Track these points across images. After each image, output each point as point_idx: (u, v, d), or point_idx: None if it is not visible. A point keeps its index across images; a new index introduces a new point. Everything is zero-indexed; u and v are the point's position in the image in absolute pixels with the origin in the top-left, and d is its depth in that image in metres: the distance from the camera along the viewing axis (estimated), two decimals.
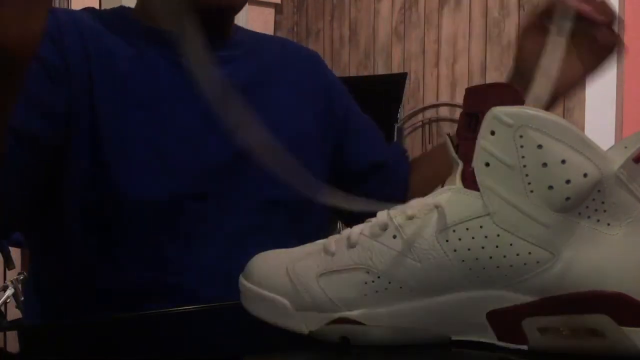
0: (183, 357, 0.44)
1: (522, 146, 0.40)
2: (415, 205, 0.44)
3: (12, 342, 0.49)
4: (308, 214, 0.75)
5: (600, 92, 2.06)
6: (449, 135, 0.47)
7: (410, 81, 2.55)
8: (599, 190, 0.41)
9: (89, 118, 0.66)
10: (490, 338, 0.44)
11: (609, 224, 0.42)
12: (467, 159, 0.43)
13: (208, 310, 0.55)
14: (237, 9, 0.74)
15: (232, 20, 0.78)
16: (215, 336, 0.50)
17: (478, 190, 0.42)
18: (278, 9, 3.09)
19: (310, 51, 0.91)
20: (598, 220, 0.42)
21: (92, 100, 0.66)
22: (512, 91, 0.43)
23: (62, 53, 0.65)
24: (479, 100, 0.43)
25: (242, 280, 0.47)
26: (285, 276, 0.45)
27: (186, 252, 0.67)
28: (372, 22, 2.68)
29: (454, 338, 0.44)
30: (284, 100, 0.79)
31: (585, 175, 0.40)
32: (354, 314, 0.44)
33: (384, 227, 0.44)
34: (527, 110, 0.40)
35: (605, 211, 0.42)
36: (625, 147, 0.44)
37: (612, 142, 2.05)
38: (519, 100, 0.42)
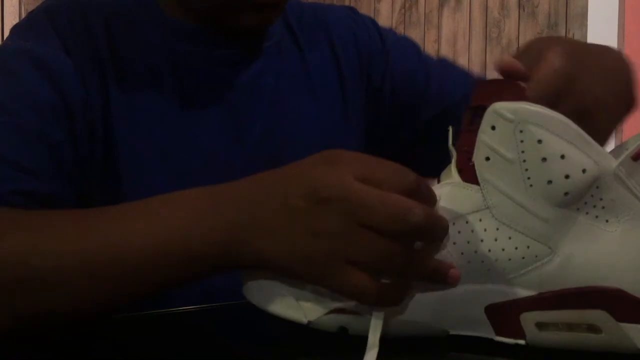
0: (183, 357, 0.44)
1: (522, 141, 0.41)
2: None
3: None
4: None
5: None
6: (451, 127, 0.48)
7: None
8: (597, 187, 0.41)
9: (103, 139, 0.62)
10: (488, 332, 0.44)
11: (607, 221, 0.42)
12: (464, 150, 0.44)
13: (208, 310, 0.55)
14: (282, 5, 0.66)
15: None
16: (216, 336, 0.50)
17: (477, 184, 0.42)
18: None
19: (343, 12, 0.80)
20: (596, 217, 0.42)
21: (106, 121, 0.62)
22: (515, 87, 0.43)
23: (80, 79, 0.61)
24: (483, 95, 0.43)
25: (245, 271, 0.47)
26: None
27: None
28: None
29: (452, 332, 0.45)
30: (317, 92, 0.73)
31: (584, 170, 0.41)
32: (352, 304, 0.44)
33: None
34: (527, 106, 0.41)
35: (603, 208, 0.42)
36: (627, 150, 0.44)
37: (612, 143, 2.05)
38: (521, 96, 0.43)
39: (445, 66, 0.80)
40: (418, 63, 0.78)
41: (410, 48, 0.79)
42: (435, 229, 0.40)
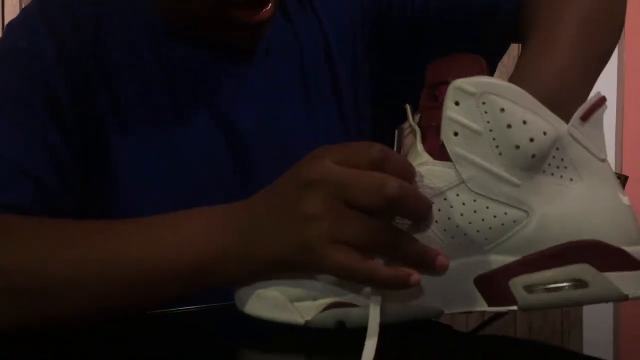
0: (183, 357, 0.43)
1: (486, 112, 0.43)
2: None
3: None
4: None
5: (600, 92, 2.09)
6: (407, 105, 0.49)
7: None
8: (557, 148, 0.44)
9: (95, 142, 0.62)
10: (480, 305, 0.45)
11: (571, 179, 0.45)
12: (430, 125, 0.45)
13: (208, 310, 0.54)
14: (270, 21, 0.65)
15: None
16: (216, 336, 0.49)
17: (449, 160, 0.44)
18: None
19: None
20: (561, 177, 0.44)
21: (97, 122, 0.62)
22: (475, 60, 0.46)
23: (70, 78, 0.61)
24: (442, 71, 0.46)
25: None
26: None
27: None
28: None
29: (447, 311, 0.45)
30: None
31: (544, 133, 0.43)
32: (346, 297, 0.44)
33: None
34: (486, 79, 0.43)
35: (566, 167, 0.44)
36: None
37: (612, 142, 2.07)
38: (481, 69, 0.45)
39: None
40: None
41: None
42: (412, 202, 0.42)
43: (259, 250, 0.44)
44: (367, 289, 0.44)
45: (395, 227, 0.43)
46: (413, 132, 0.46)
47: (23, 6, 0.70)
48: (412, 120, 0.47)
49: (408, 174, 0.43)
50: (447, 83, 0.44)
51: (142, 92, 0.64)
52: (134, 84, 0.64)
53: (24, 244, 0.47)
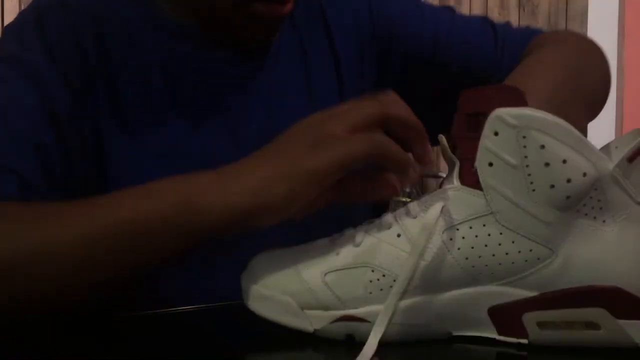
0: (183, 357, 0.44)
1: (525, 146, 0.41)
2: (418, 204, 0.45)
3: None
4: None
5: None
6: (441, 135, 0.48)
7: None
8: (595, 189, 0.42)
9: (94, 148, 0.61)
10: (490, 333, 0.45)
11: (604, 221, 0.43)
12: (467, 158, 0.44)
13: (208, 310, 0.55)
14: (285, 19, 0.66)
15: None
16: (216, 336, 0.49)
17: (480, 189, 0.43)
18: None
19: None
20: (595, 218, 0.43)
21: (97, 128, 0.61)
22: (515, 92, 0.44)
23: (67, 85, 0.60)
24: (481, 101, 0.44)
25: (245, 279, 0.47)
26: (290, 275, 0.45)
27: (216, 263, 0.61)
28: None
29: (455, 334, 0.45)
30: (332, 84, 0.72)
31: (584, 174, 0.42)
32: (359, 311, 0.44)
33: (389, 226, 0.45)
34: (530, 112, 0.41)
35: (601, 209, 0.43)
36: (616, 147, 0.45)
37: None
38: (521, 102, 0.43)
39: (453, 19, 0.76)
40: (422, 25, 0.74)
41: (412, 10, 0.75)
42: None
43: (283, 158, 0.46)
44: (382, 306, 0.44)
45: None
46: (451, 163, 0.45)
47: (23, 7, 0.67)
48: (450, 152, 0.45)
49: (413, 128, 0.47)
50: (485, 114, 0.42)
51: (144, 97, 0.63)
52: (136, 88, 0.62)
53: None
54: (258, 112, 0.67)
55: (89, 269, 0.46)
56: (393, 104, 0.47)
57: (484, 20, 0.76)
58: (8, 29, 0.63)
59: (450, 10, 0.77)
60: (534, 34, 0.74)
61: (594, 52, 0.69)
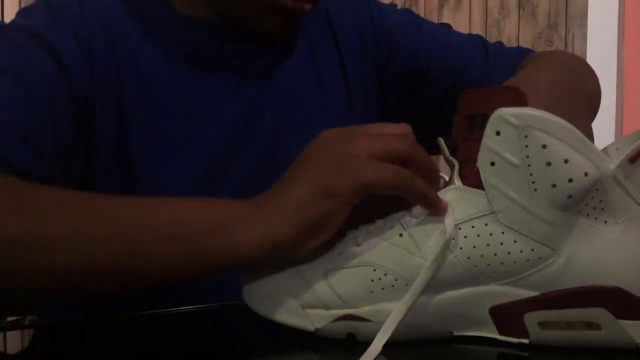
0: (183, 357, 0.44)
1: (527, 146, 0.41)
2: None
3: (12, 342, 0.48)
4: None
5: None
6: (440, 138, 0.48)
7: None
8: (597, 189, 0.43)
9: (116, 133, 0.62)
10: (491, 332, 0.45)
11: (605, 222, 0.43)
12: (469, 159, 0.44)
13: (208, 310, 0.55)
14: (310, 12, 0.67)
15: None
16: (216, 336, 0.49)
17: (482, 189, 0.43)
18: None
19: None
20: (596, 218, 0.43)
21: (120, 114, 0.62)
22: (516, 93, 0.44)
23: (89, 65, 0.60)
24: (482, 102, 0.44)
25: (246, 278, 0.47)
26: (292, 274, 0.45)
27: None
28: None
29: (456, 333, 0.45)
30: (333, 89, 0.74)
31: (586, 174, 0.42)
32: (360, 310, 0.44)
33: (391, 226, 0.45)
34: (532, 112, 0.42)
35: (602, 209, 0.43)
36: (617, 149, 0.46)
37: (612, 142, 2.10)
38: (523, 102, 0.44)
39: (449, 35, 0.79)
40: (420, 40, 0.77)
41: (411, 24, 0.78)
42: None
43: (296, 184, 0.44)
44: (384, 305, 0.44)
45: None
46: (451, 165, 0.45)
47: (22, 6, 0.67)
48: (448, 154, 0.45)
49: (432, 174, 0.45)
50: (486, 115, 0.42)
51: (165, 89, 0.63)
52: (157, 80, 0.63)
53: (21, 203, 0.45)
54: (273, 103, 0.68)
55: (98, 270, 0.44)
56: (416, 144, 0.46)
57: (478, 38, 0.79)
58: (29, 11, 0.63)
59: (447, 27, 0.80)
60: (526, 52, 0.77)
61: (587, 66, 0.73)
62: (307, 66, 0.72)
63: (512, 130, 0.42)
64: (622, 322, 0.43)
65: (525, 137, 0.41)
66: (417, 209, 0.45)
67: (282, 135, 0.68)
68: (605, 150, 0.46)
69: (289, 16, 0.63)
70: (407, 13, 0.79)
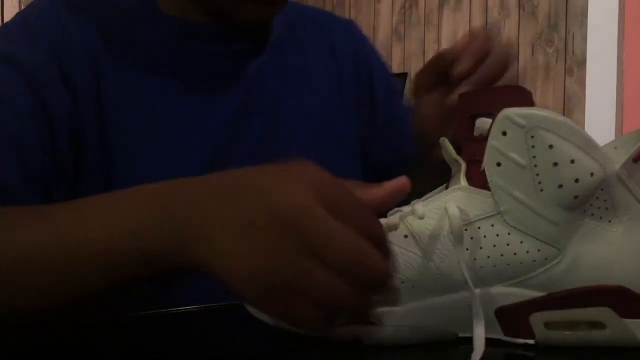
0: (183, 357, 0.44)
1: (533, 146, 0.41)
2: (424, 204, 0.45)
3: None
4: None
5: (600, 92, 2.07)
6: (443, 138, 0.48)
7: (410, 81, 2.54)
8: (602, 189, 0.42)
9: (98, 141, 0.61)
10: (497, 333, 0.45)
11: (610, 221, 0.43)
12: (474, 159, 0.44)
13: (208, 310, 0.55)
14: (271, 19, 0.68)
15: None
16: (216, 336, 0.49)
17: (488, 189, 0.43)
18: None
19: (343, 23, 0.82)
20: (601, 218, 0.43)
21: (101, 123, 0.61)
22: (521, 93, 0.44)
23: (66, 80, 0.60)
24: (487, 102, 0.44)
25: None
26: None
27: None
28: (372, 22, 2.65)
29: (461, 335, 0.45)
30: (321, 93, 0.74)
31: (592, 174, 0.42)
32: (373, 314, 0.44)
33: (395, 227, 0.44)
34: (538, 112, 0.41)
35: (606, 209, 0.43)
36: (615, 148, 0.45)
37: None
38: (528, 102, 0.43)
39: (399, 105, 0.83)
40: (391, 93, 0.82)
41: (387, 76, 0.84)
42: (388, 284, 0.40)
43: (201, 256, 0.39)
44: (390, 308, 0.43)
45: (363, 294, 0.39)
46: (457, 165, 0.45)
47: (23, 6, 0.67)
48: (454, 155, 0.45)
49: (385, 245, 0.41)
50: (490, 114, 0.42)
51: (152, 94, 0.63)
52: (143, 85, 0.62)
53: None
54: (263, 104, 0.68)
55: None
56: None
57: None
58: (6, 27, 0.63)
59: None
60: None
61: None
62: (298, 67, 0.72)
63: (519, 131, 0.41)
64: (628, 321, 0.43)
65: (532, 137, 0.41)
66: (421, 209, 0.44)
67: (272, 137, 0.68)
68: (604, 148, 0.46)
69: (267, 2, 0.63)
70: (386, 63, 0.85)
